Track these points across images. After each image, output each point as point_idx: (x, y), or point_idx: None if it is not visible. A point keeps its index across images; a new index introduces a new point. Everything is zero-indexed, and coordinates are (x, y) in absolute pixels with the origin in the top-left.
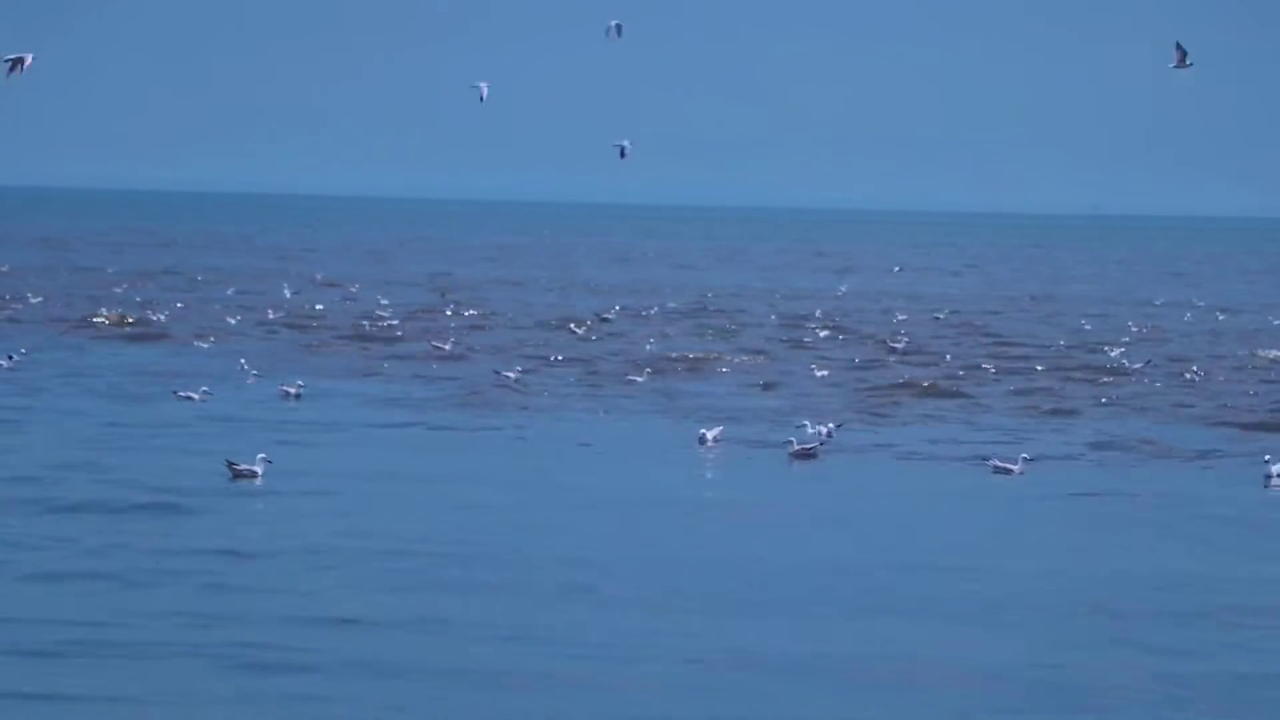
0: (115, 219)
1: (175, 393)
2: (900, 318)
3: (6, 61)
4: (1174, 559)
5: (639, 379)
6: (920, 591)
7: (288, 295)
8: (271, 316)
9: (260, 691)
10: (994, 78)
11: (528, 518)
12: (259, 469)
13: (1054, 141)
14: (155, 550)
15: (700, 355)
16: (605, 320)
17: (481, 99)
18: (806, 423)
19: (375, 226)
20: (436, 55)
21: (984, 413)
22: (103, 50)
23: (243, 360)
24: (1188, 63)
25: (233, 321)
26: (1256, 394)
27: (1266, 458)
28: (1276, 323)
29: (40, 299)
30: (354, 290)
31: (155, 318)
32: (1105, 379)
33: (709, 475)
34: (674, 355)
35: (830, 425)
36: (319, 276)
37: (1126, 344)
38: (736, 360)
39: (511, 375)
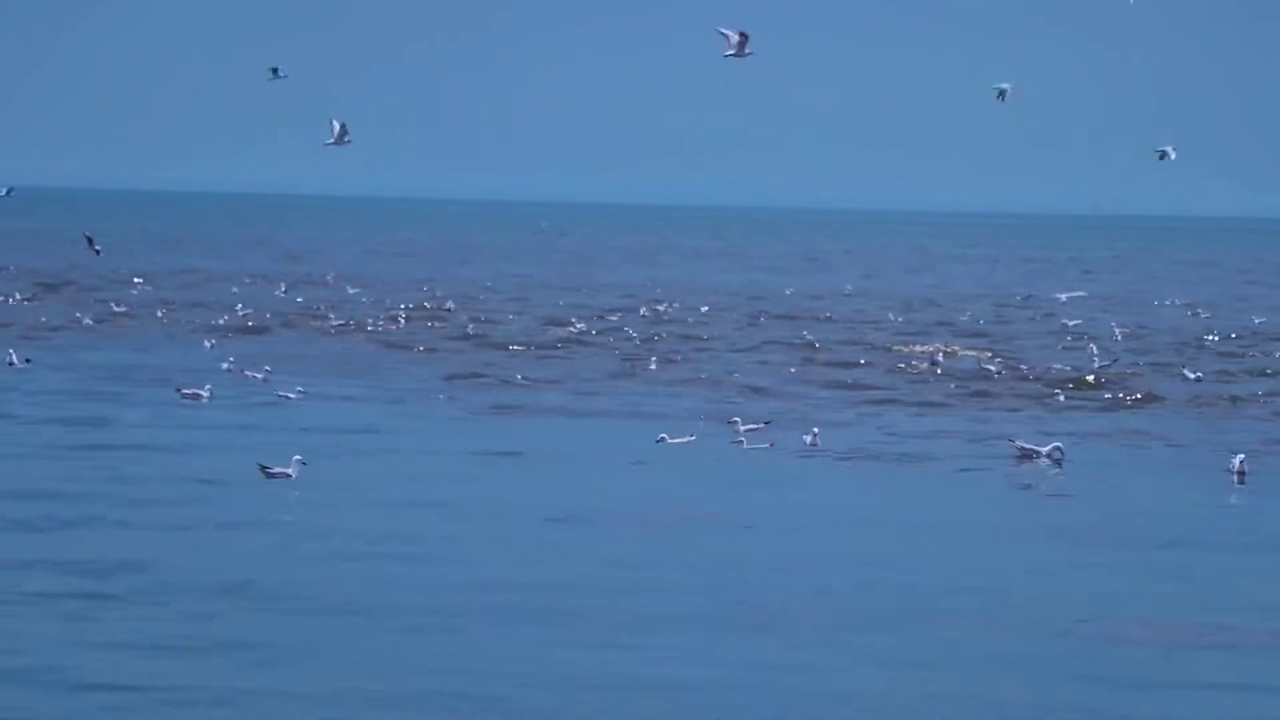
0: (126, 219)
1: (179, 390)
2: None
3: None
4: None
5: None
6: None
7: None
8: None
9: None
10: (993, 77)
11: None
12: (292, 471)
13: (1054, 141)
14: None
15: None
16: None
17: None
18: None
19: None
20: (442, 55)
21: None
22: (102, 50)
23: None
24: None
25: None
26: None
27: (1237, 455)
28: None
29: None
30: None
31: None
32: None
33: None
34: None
35: (815, 430)
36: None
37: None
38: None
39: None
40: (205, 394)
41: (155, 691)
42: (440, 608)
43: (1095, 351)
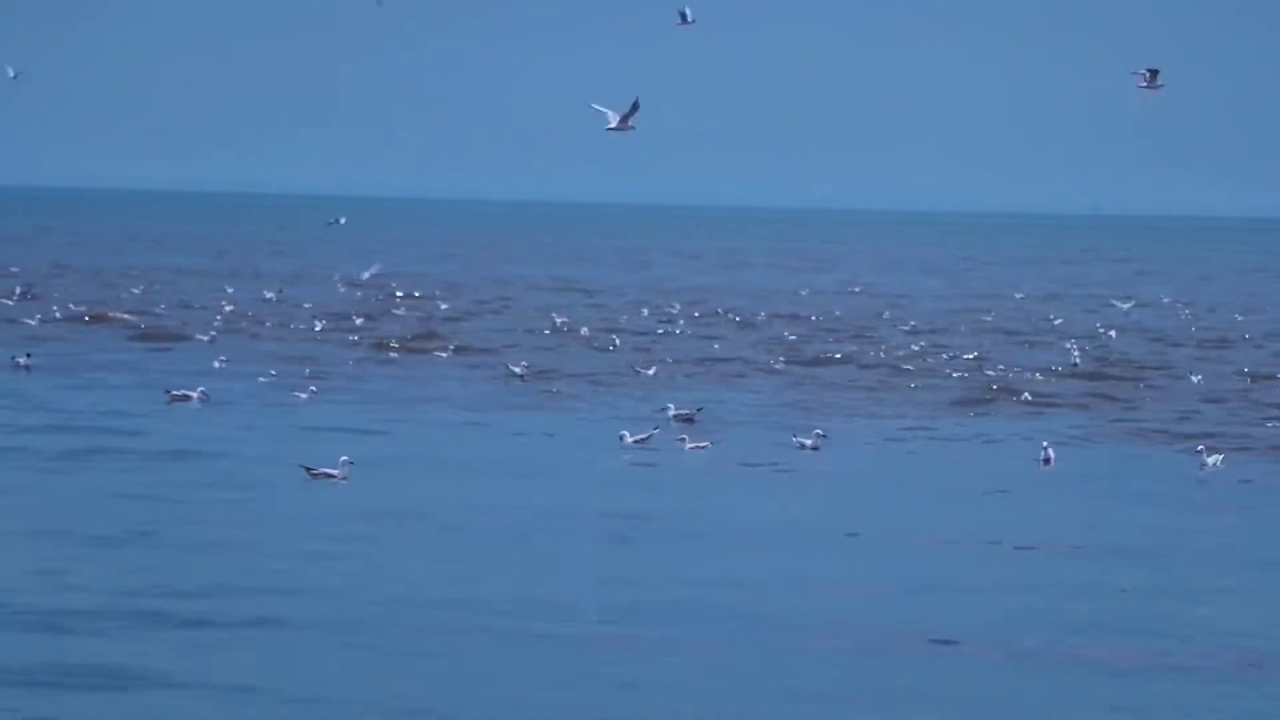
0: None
1: (169, 391)
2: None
3: None
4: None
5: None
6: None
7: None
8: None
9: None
10: (993, 77)
11: None
12: (337, 472)
13: (1054, 141)
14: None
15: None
16: None
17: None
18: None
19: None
20: (439, 54)
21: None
22: (104, 49)
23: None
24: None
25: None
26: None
27: (1200, 447)
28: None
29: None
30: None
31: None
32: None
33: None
34: None
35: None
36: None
37: None
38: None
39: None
40: (195, 396)
41: None
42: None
43: None
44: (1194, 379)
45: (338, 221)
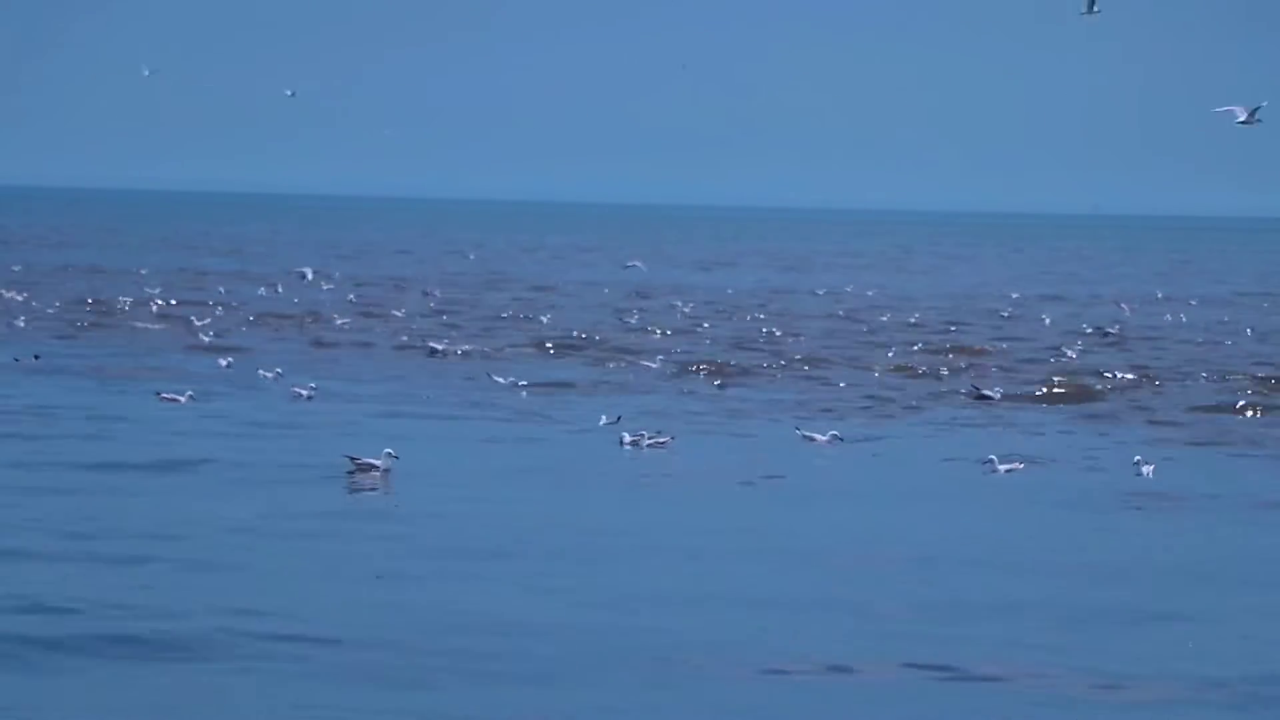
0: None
1: (159, 394)
2: None
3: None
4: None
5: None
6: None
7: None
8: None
9: None
10: (993, 76)
11: None
12: (380, 462)
13: (1053, 141)
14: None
15: None
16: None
17: (1244, 118)
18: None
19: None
20: (437, 55)
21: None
22: (104, 49)
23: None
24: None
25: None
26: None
27: (1137, 458)
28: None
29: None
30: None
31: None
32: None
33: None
34: None
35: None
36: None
37: None
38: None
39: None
40: (184, 398)
41: None
42: None
43: None
44: None
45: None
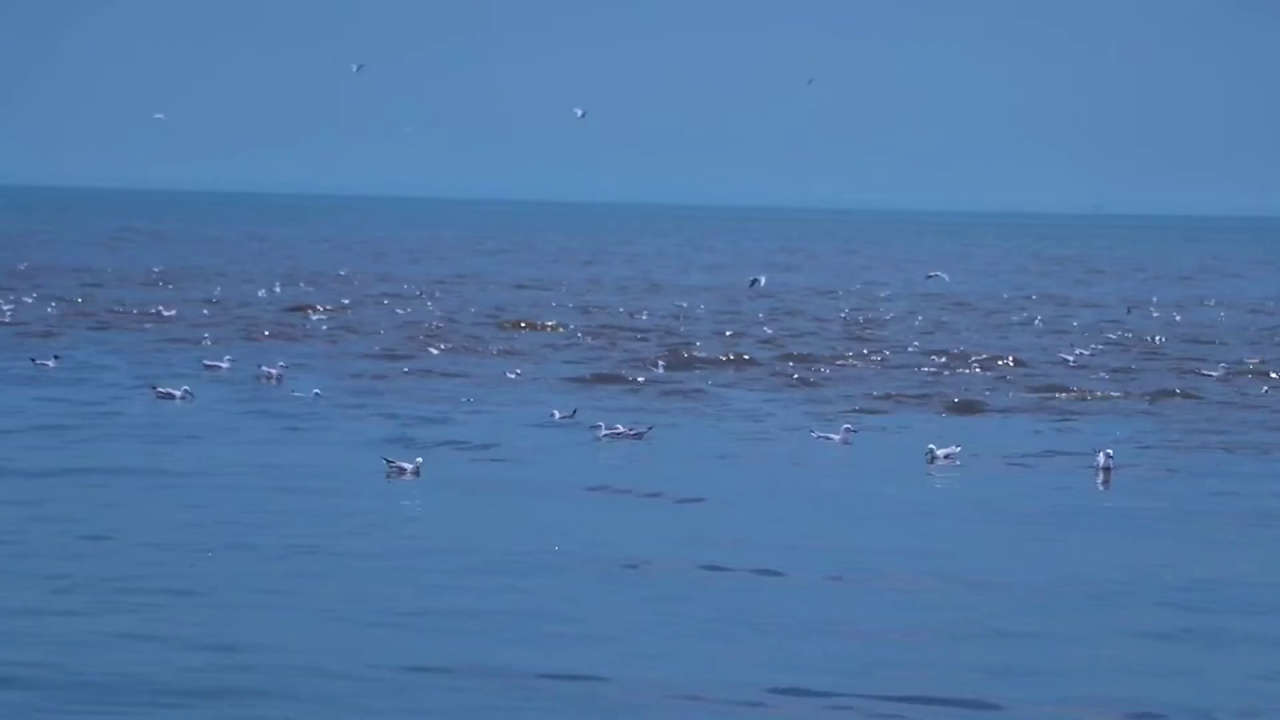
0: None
1: (154, 388)
2: None
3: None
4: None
5: None
6: None
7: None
8: None
9: None
10: (993, 76)
11: None
12: (410, 465)
13: (1053, 141)
14: None
15: None
16: None
17: None
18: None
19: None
20: (435, 54)
21: None
22: (105, 48)
23: None
24: None
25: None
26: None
27: (930, 445)
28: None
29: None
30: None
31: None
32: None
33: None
34: None
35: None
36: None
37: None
38: None
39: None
40: (179, 394)
41: None
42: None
43: None
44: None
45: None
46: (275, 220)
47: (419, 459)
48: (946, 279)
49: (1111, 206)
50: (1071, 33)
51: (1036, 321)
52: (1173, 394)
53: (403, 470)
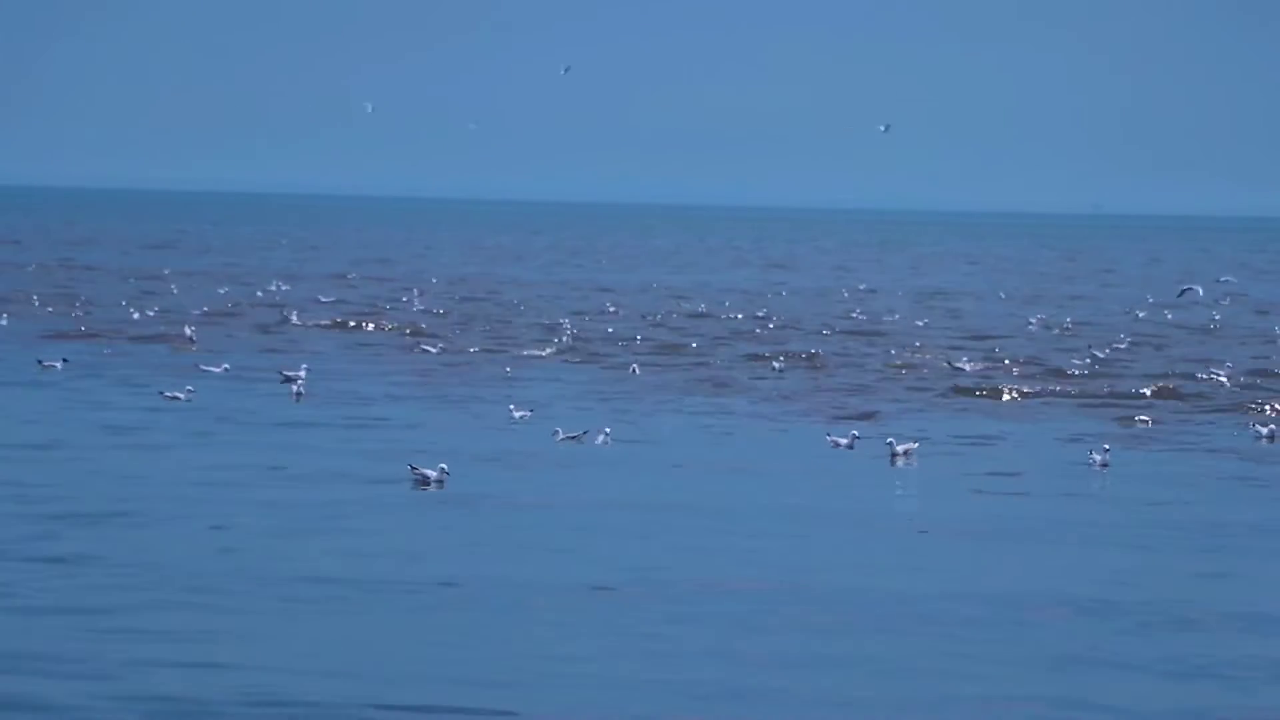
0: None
1: (161, 393)
2: None
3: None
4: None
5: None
6: None
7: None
8: None
9: None
10: (992, 76)
11: None
12: (431, 473)
13: (1053, 141)
14: None
15: None
16: None
17: None
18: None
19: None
20: (434, 54)
21: None
22: (101, 50)
23: None
24: None
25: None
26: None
27: (890, 439)
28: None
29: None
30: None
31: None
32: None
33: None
34: None
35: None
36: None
37: None
38: None
39: None
40: (184, 396)
41: None
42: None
43: None
44: None
45: None
46: (391, 223)
47: (443, 465)
48: (1200, 293)
49: (1110, 207)
50: (1071, 33)
51: None
52: None
53: (426, 480)
